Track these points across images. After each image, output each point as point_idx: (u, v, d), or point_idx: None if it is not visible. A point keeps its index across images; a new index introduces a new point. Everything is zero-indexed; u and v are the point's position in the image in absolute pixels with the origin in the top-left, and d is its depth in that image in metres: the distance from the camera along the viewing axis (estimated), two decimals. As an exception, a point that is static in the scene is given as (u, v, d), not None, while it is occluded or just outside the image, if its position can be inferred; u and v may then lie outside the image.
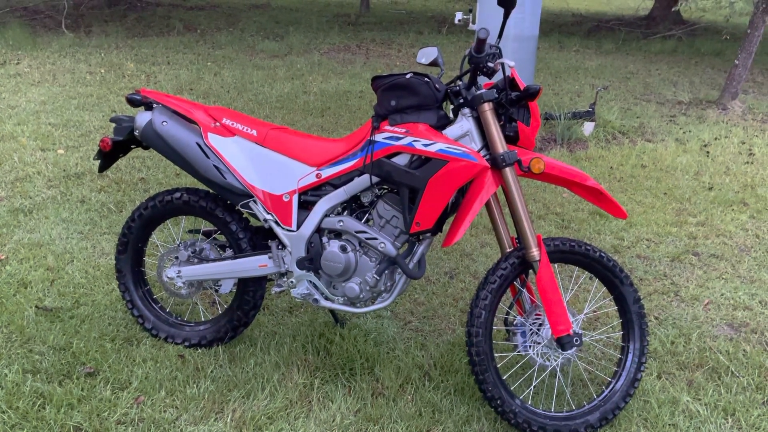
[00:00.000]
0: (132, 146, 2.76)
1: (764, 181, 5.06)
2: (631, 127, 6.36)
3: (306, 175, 2.47)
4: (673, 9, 13.62)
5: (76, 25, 10.87)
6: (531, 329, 2.44)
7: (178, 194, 2.67)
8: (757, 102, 7.81)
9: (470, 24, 5.58)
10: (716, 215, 4.38)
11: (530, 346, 2.43)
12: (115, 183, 4.40)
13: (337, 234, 2.51)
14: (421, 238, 2.44)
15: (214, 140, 2.52)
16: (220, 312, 2.85)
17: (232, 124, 2.55)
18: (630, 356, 2.47)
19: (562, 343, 2.32)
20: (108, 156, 2.74)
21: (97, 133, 5.45)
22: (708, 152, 5.77)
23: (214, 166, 2.51)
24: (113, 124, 3.14)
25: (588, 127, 6.02)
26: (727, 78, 7.66)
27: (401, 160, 2.32)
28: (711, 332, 3.03)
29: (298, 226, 2.49)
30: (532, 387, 2.51)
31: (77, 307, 2.97)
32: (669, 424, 2.43)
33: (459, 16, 5.55)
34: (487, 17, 5.38)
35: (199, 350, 2.73)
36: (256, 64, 8.74)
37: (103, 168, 2.79)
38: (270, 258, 2.57)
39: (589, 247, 2.42)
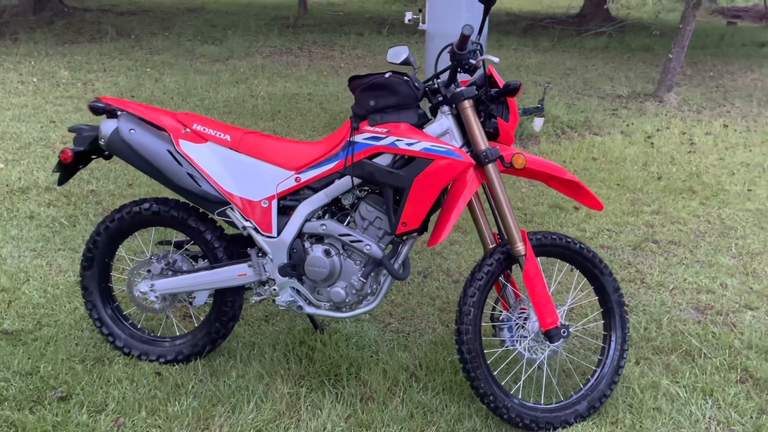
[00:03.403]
0: (93, 156, 2.63)
1: (707, 169, 5.29)
2: (578, 122, 6.53)
3: (285, 180, 2.40)
4: (605, 6, 14.09)
5: (0, 33, 10.33)
6: (517, 323, 2.46)
7: (146, 205, 2.56)
8: (690, 94, 8.16)
9: (420, 24, 5.59)
10: (668, 203, 4.54)
11: (518, 341, 2.45)
12: (64, 196, 4.19)
13: (318, 238, 2.45)
14: (405, 238, 2.42)
15: (186, 147, 2.43)
16: (195, 325, 2.75)
17: (204, 129, 2.46)
18: (613, 344, 2.53)
19: (551, 335, 2.35)
20: (68, 168, 2.60)
21: (37, 144, 5.18)
22: (652, 143, 5.99)
23: (188, 173, 2.41)
24: (70, 134, 2.98)
25: (538, 123, 6.14)
26: (662, 71, 7.98)
27: (383, 160, 2.29)
28: (680, 316, 3.13)
29: (279, 232, 2.43)
30: (521, 382, 2.52)
31: (39, 329, 2.80)
32: (653, 408, 2.49)
33: (409, 15, 5.56)
34: (437, 17, 5.40)
35: (177, 366, 2.62)
36: (198, 69, 8.52)
37: (63, 181, 2.64)
38: (250, 266, 2.49)
39: (569, 240, 2.46)
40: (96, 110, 2.49)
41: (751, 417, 2.46)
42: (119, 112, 2.48)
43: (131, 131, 2.41)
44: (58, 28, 11.24)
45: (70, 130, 2.58)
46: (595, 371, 2.52)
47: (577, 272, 2.55)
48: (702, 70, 10.08)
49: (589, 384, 2.49)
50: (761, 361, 2.77)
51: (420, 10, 5.51)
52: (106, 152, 2.55)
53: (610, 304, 2.53)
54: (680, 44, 7.59)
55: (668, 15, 15.83)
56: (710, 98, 8.03)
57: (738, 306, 3.24)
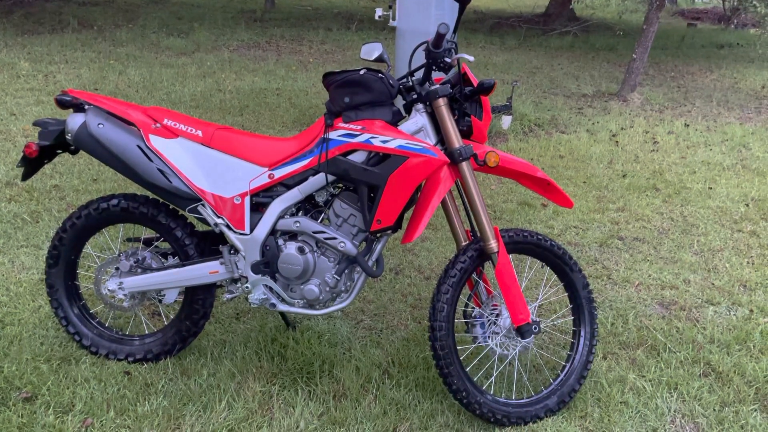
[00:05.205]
0: (58, 151, 2.57)
1: (670, 167, 5.42)
2: (545, 120, 6.62)
3: (258, 176, 2.38)
4: (569, 6, 14.30)
5: (-44, 22, 9.99)
6: (489, 320, 2.48)
7: (114, 201, 2.51)
8: (653, 93, 8.33)
9: (390, 21, 5.59)
10: (633, 201, 4.64)
11: (490, 337, 2.47)
12: (26, 191, 4.08)
13: (291, 235, 2.44)
14: (379, 235, 2.42)
15: (157, 142, 2.39)
16: (165, 323, 2.71)
17: (175, 124, 2.42)
18: (582, 340, 2.57)
19: (522, 331, 2.38)
20: (33, 163, 2.53)
21: (-3, 138, 5.03)
22: (617, 142, 6.10)
23: (158, 169, 2.37)
24: (32, 128, 2.90)
25: (506, 121, 6.16)
26: (625, 71, 8.13)
27: (358, 157, 2.29)
28: (645, 312, 3.20)
29: (252, 229, 2.40)
30: (493, 377, 2.55)
31: (2, 328, 2.73)
32: (620, 402, 2.55)
33: (379, 12, 5.55)
34: (407, 14, 5.40)
35: (146, 365, 2.58)
36: (164, 62, 8.37)
37: (27, 176, 2.57)
38: (221, 264, 2.46)
39: (540, 237, 2.49)
40: (62, 104, 2.43)
41: (714, 410, 2.53)
42: (87, 106, 2.43)
43: (99, 126, 2.36)
44: (17, 18, 10.91)
45: (36, 123, 2.51)
46: (564, 366, 2.56)
47: (547, 269, 2.58)
48: (664, 70, 10.31)
49: (559, 379, 2.53)
50: (723, 355, 2.85)
51: (390, 7, 5.50)
52: (73, 147, 2.50)
53: (580, 301, 2.57)
54: (643, 45, 7.75)
55: (631, 16, 16.15)
56: (672, 98, 8.22)
57: (700, 301, 3.33)
